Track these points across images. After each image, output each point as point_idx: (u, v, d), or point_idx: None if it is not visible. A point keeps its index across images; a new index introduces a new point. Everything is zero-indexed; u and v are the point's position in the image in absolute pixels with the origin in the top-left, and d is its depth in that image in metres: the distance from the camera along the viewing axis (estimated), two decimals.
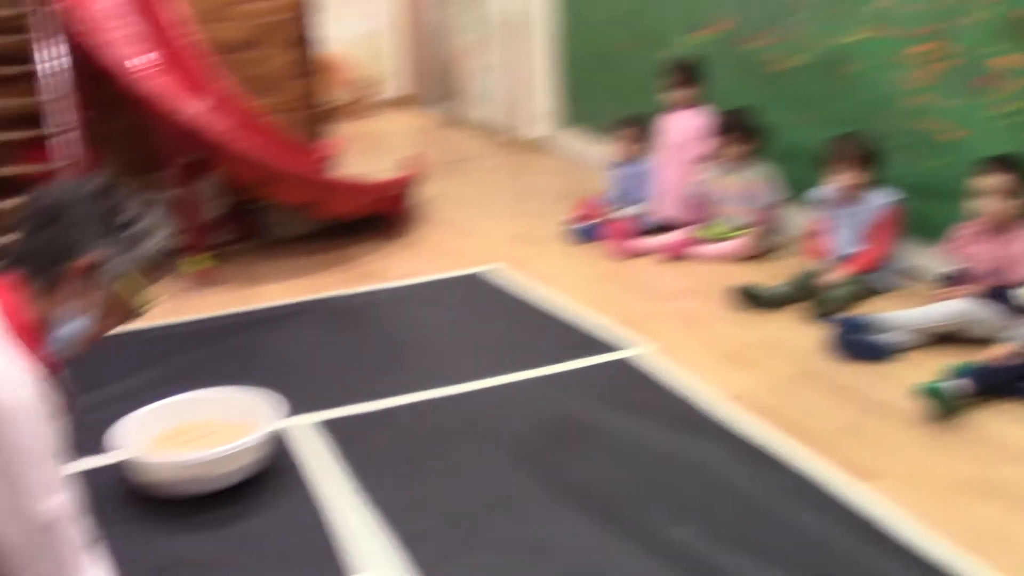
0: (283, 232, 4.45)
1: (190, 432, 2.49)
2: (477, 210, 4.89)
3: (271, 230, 4.46)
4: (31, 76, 3.84)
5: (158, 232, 1.49)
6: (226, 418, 2.53)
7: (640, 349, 3.09)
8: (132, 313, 1.51)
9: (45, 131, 3.72)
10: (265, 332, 3.39)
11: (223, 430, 2.49)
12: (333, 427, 2.66)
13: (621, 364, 3.01)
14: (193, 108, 3.91)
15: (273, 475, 2.42)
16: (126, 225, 1.45)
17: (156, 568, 2.06)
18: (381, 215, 4.51)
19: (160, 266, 1.52)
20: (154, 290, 1.53)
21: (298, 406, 2.58)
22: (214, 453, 2.29)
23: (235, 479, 2.34)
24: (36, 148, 3.91)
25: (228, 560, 2.09)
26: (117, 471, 2.38)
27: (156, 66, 4.02)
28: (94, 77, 3.77)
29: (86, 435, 2.16)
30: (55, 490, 1.27)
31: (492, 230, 4.55)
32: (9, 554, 1.23)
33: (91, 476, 2.36)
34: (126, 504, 2.31)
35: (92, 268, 1.40)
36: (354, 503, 2.29)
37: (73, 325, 1.43)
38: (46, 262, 1.40)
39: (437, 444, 2.57)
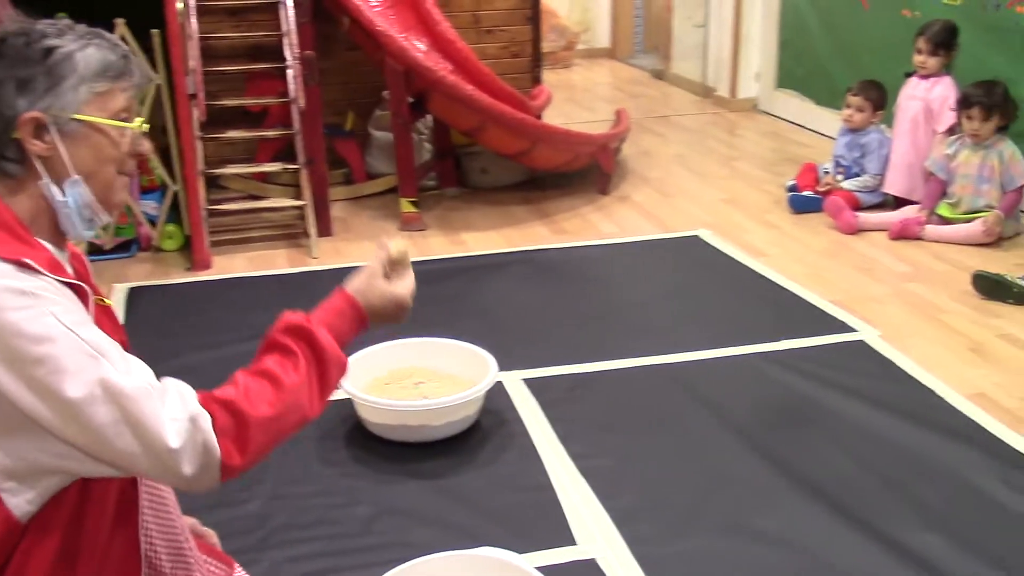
0: (490, 181, 4.41)
1: (407, 378, 2.48)
2: (684, 170, 4.71)
3: (478, 177, 4.43)
4: (268, 8, 3.91)
5: (89, 47, 1.22)
6: (441, 368, 2.51)
7: (869, 333, 2.89)
8: (123, 148, 1.26)
9: (277, 64, 3.78)
10: (472, 281, 3.37)
11: (439, 379, 2.48)
12: (539, 387, 2.59)
13: (853, 347, 2.81)
14: (416, 48, 3.89)
15: (487, 431, 2.38)
16: (45, 56, 1.19)
17: (368, 516, 2.05)
18: (588, 169, 4.40)
19: (117, 82, 1.24)
20: (131, 106, 1.27)
21: (504, 361, 2.53)
22: (439, 402, 2.27)
23: (454, 431, 2.32)
24: (264, 80, 4.00)
25: (442, 514, 2.06)
26: (338, 408, 2.40)
27: (382, 4, 4.02)
28: (317, 13, 3.80)
29: None
30: (94, 364, 1.11)
31: (700, 192, 4.37)
32: (92, 450, 1.13)
33: None
34: (344, 445, 2.32)
35: (40, 122, 1.19)
36: (568, 468, 2.22)
37: (65, 197, 1.22)
38: None
39: (652, 415, 2.47)
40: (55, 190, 1.22)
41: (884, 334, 2.87)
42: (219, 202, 3.89)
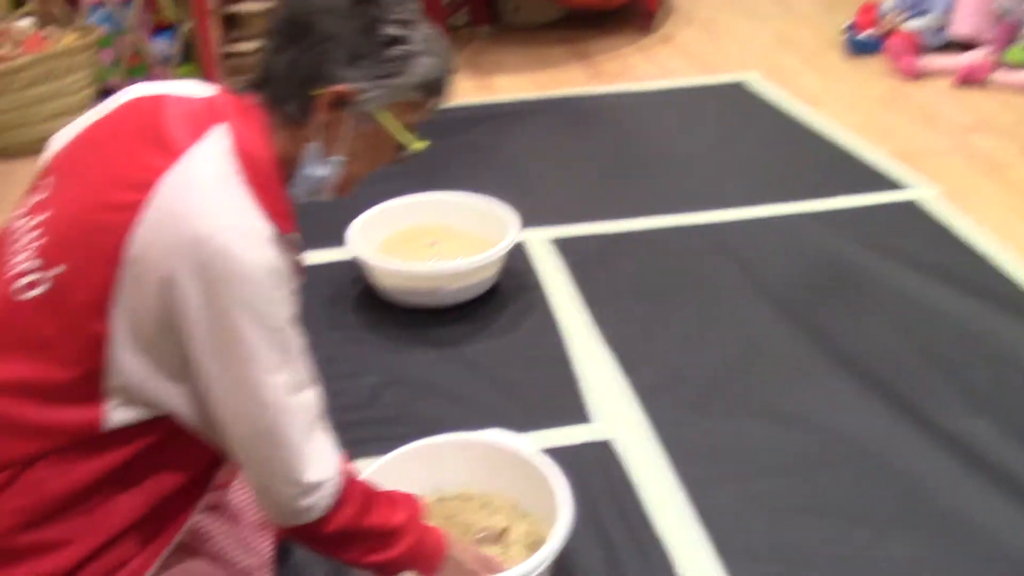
0: (523, 19, 4.13)
1: (421, 237, 2.33)
2: (734, 8, 4.38)
3: (512, 15, 4.14)
4: None
5: (428, 56, 1.16)
6: (458, 226, 2.35)
7: (926, 191, 2.66)
8: (391, 155, 1.22)
9: None
10: (498, 130, 3.16)
11: (456, 239, 2.32)
12: (566, 247, 2.43)
13: (908, 207, 2.59)
14: None
15: (506, 296, 2.24)
16: (389, 44, 1.13)
17: (375, 386, 1.94)
18: (630, 6, 4.10)
19: (428, 99, 1.20)
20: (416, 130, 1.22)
21: (529, 218, 2.36)
22: (453, 265, 2.11)
23: (470, 295, 2.18)
24: None
25: (453, 385, 1.94)
26: (348, 270, 2.27)
27: None
28: None
29: (314, 228, 2.02)
30: (289, 368, 1.07)
31: (750, 33, 4.06)
32: (229, 431, 1.07)
33: (320, 272, 2.27)
34: (353, 308, 2.20)
35: (345, 98, 1.12)
36: (591, 339, 2.08)
37: (318, 168, 1.18)
38: (291, 86, 1.12)
39: (682, 279, 2.30)
40: (315, 158, 1.16)
41: (943, 192, 2.64)
42: (236, 42, 3.67)
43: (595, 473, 1.69)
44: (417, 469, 1.55)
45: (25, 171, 3.19)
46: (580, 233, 2.50)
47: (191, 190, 1.02)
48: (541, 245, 2.42)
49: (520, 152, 3.01)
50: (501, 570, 1.32)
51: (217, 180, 1.04)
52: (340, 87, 1.11)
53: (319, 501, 1.11)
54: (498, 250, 2.14)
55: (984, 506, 1.62)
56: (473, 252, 2.19)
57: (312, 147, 1.15)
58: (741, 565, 1.52)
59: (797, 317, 2.13)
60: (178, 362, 1.04)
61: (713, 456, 1.75)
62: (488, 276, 2.18)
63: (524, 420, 1.81)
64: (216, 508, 1.30)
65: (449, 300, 2.16)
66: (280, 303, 1.05)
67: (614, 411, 1.86)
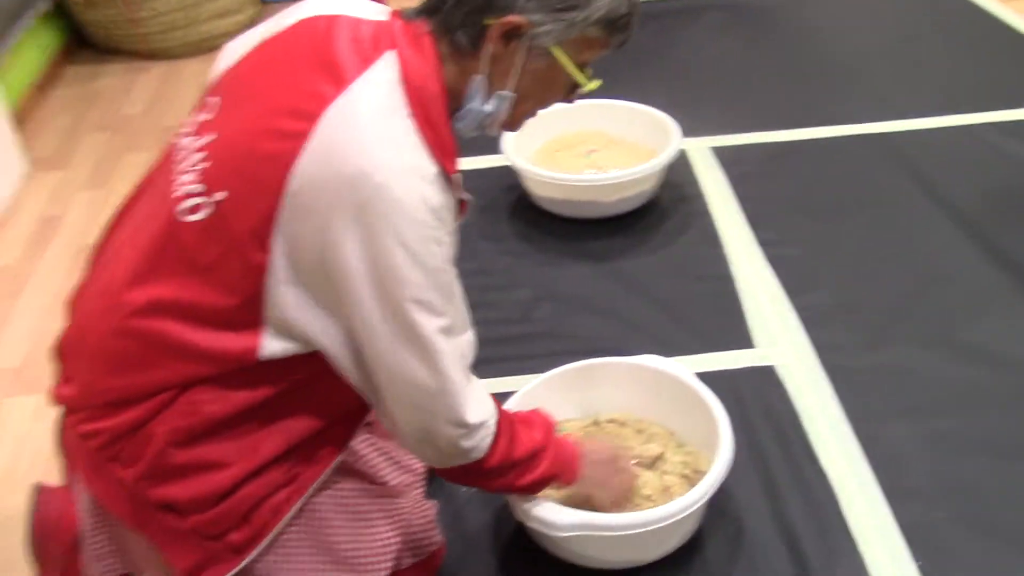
0: None
1: (579, 144, 2.25)
2: None
3: None
4: None
5: None
6: (617, 134, 2.26)
7: None
8: (563, 94, 1.15)
9: None
10: (664, 31, 3.00)
11: (614, 147, 2.24)
12: (729, 157, 2.30)
13: None
14: None
15: (665, 209, 2.15)
16: None
17: (528, 301, 1.90)
18: None
19: (609, 37, 1.11)
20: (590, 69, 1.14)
21: (692, 126, 2.23)
22: (611, 176, 2.04)
23: (627, 208, 2.10)
24: None
25: (607, 301, 1.88)
26: (503, 177, 2.22)
27: None
28: None
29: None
30: (449, 309, 1.04)
31: None
32: (385, 376, 1.04)
33: (473, 179, 2.22)
34: (507, 218, 2.15)
35: (519, 30, 1.05)
36: (754, 257, 1.98)
37: (486, 102, 1.10)
38: (463, 14, 1.06)
39: (854, 195, 2.15)
40: (482, 91, 1.10)
41: None
42: None
43: (757, 400, 1.62)
44: (572, 391, 1.52)
45: (191, 70, 3.26)
46: (744, 142, 2.37)
47: (356, 123, 0.99)
48: (702, 155, 2.31)
49: (681, 55, 2.86)
50: (629, 461, 1.37)
51: (382, 113, 1.00)
52: (514, 18, 1.05)
53: (481, 442, 1.11)
54: (658, 162, 2.04)
55: None
56: (632, 162, 2.10)
57: (480, 80, 1.09)
58: (908, 506, 1.44)
59: (981, 239, 1.97)
60: (335, 297, 1.01)
61: (882, 388, 1.65)
62: (647, 188, 2.10)
63: (682, 341, 1.75)
64: (369, 425, 1.30)
65: (606, 212, 2.09)
66: (440, 244, 1.01)
67: (778, 336, 1.77)
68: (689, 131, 2.23)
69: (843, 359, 1.70)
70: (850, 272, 1.92)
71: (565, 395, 1.51)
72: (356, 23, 1.07)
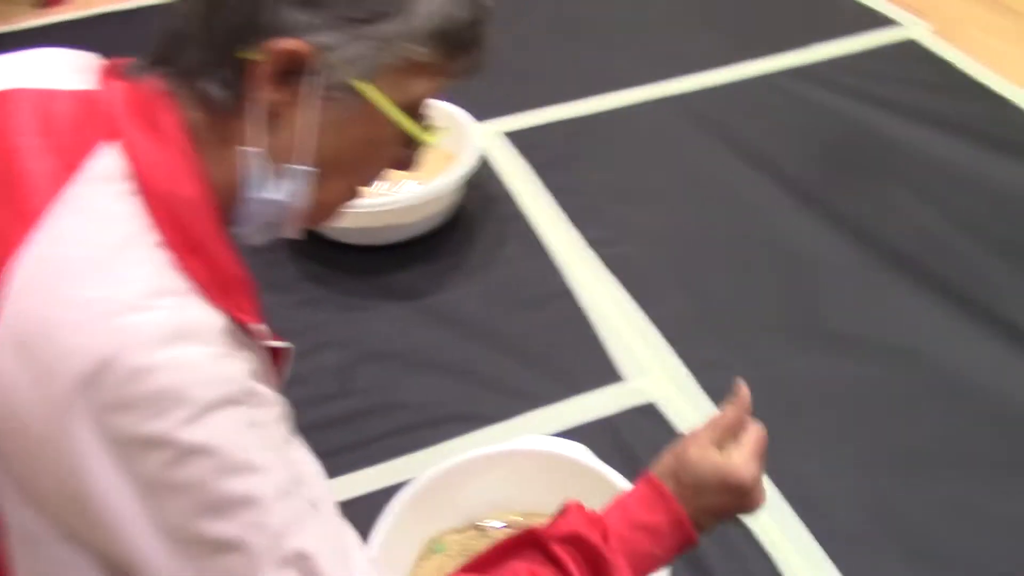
0: None
1: None
2: None
3: None
4: None
5: None
6: None
7: (918, 28, 2.33)
8: (391, 155, 0.76)
9: None
10: None
11: None
12: (525, 142, 2.01)
13: (901, 49, 2.25)
14: None
15: (472, 218, 1.82)
16: None
17: (343, 362, 1.54)
18: None
19: (447, 57, 0.73)
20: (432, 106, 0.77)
21: (473, 111, 1.91)
22: (413, 195, 1.67)
23: (431, 226, 1.77)
24: None
25: (437, 347, 1.56)
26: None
27: None
28: None
29: None
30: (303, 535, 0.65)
31: None
32: None
33: None
34: (292, 258, 1.76)
35: (300, 62, 0.67)
36: (590, 265, 1.71)
37: (271, 188, 0.71)
38: (206, 51, 0.68)
39: (672, 173, 1.93)
40: (263, 172, 0.71)
41: (937, 28, 2.31)
42: None
43: (646, 447, 1.36)
44: (443, 497, 1.20)
45: None
46: (539, 122, 2.08)
47: (64, 282, 0.60)
48: (496, 143, 2.01)
49: None
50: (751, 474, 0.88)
51: (110, 252, 0.61)
52: (290, 43, 0.66)
53: None
54: (463, 166, 1.72)
55: None
56: (426, 168, 1.77)
57: (256, 155, 0.70)
58: (826, 527, 1.25)
59: (815, 203, 1.81)
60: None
61: (773, 407, 1.42)
62: (454, 199, 1.77)
63: (542, 389, 1.46)
64: None
65: (408, 234, 1.75)
66: (254, 427, 0.64)
67: (646, 362, 1.51)
68: (473, 116, 1.91)
69: (723, 378, 1.47)
70: (697, 265, 1.70)
71: (435, 504, 1.19)
72: (45, 99, 0.67)
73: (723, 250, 1.73)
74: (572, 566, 0.79)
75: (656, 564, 0.85)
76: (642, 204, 1.85)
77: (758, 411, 0.92)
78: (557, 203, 1.84)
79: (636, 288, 1.65)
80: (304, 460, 0.70)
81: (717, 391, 1.45)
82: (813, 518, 1.27)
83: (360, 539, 0.74)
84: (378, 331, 1.60)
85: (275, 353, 0.74)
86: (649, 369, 1.50)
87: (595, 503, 1.12)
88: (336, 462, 1.34)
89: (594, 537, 0.80)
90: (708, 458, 0.86)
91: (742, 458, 0.87)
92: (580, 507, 0.85)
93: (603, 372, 1.50)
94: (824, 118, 2.04)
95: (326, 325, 1.61)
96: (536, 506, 1.22)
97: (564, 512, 0.85)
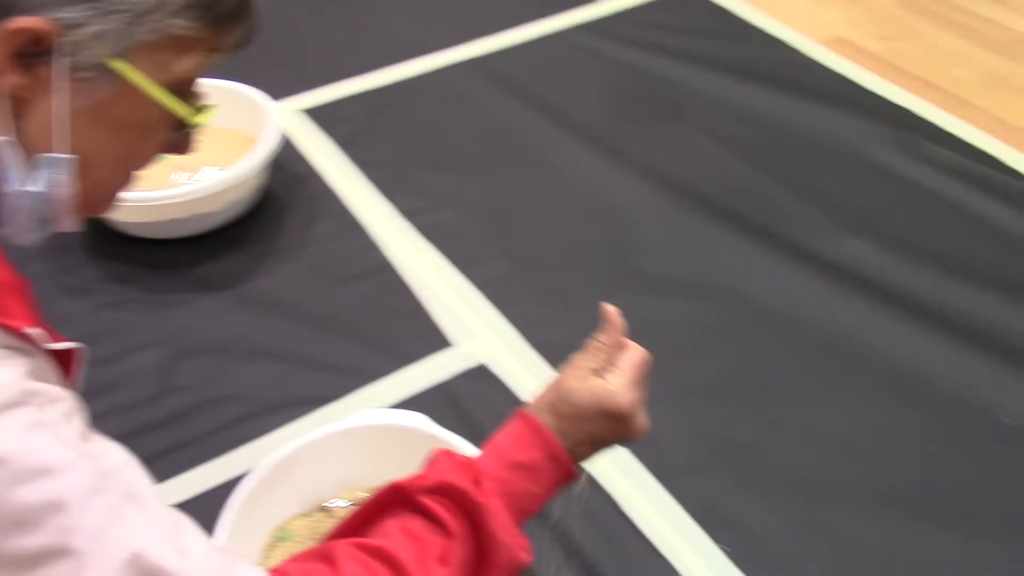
0: None
1: None
2: None
3: None
4: None
5: None
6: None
7: None
8: (159, 137, 0.73)
9: None
10: None
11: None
12: (325, 117, 1.97)
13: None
14: None
15: (281, 200, 1.78)
16: None
17: (162, 360, 1.48)
18: None
19: (213, 30, 0.70)
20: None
21: (265, 89, 1.86)
22: (216, 181, 1.61)
23: (237, 212, 1.71)
24: None
25: (257, 334, 1.52)
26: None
27: None
28: None
29: None
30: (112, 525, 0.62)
31: None
32: None
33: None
34: (91, 259, 1.66)
35: (41, 41, 0.63)
36: (408, 235, 1.70)
37: (26, 180, 0.66)
38: None
39: (478, 138, 1.95)
40: (15, 162, 0.66)
41: None
42: None
43: (484, 410, 1.37)
44: (284, 483, 1.17)
45: None
46: (338, 96, 2.05)
47: None
48: (295, 121, 1.96)
49: None
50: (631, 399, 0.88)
51: None
52: (25, 20, 0.62)
53: None
54: (265, 147, 1.67)
55: (897, 339, 1.49)
56: (226, 152, 1.72)
57: (3, 142, 0.66)
58: (659, 459, 1.30)
59: (621, 155, 1.87)
60: None
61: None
62: (258, 183, 1.72)
63: (373, 364, 1.45)
64: None
65: (214, 223, 1.68)
66: (59, 449, 0.61)
67: (472, 326, 1.52)
68: (270, 96, 1.86)
69: (549, 334, 1.51)
70: (512, 226, 1.72)
71: (278, 492, 1.17)
72: None
73: (536, 208, 1.76)
74: (445, 515, 0.77)
75: (537, 501, 0.84)
76: (451, 170, 1.85)
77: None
78: (366, 177, 1.82)
79: (455, 254, 1.65)
80: (108, 451, 0.66)
81: (545, 345, 1.48)
82: (645, 452, 1.32)
83: (192, 522, 0.70)
84: (195, 325, 1.54)
85: (64, 357, 0.70)
86: (477, 332, 1.51)
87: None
88: (167, 463, 1.28)
89: (463, 483, 0.79)
90: (586, 386, 0.86)
91: (621, 383, 0.87)
92: (449, 454, 0.84)
93: (432, 340, 1.50)
94: (618, 71, 2.11)
95: (137, 325, 1.53)
96: (382, 480, 1.21)
97: (432, 462, 0.84)
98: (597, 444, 0.88)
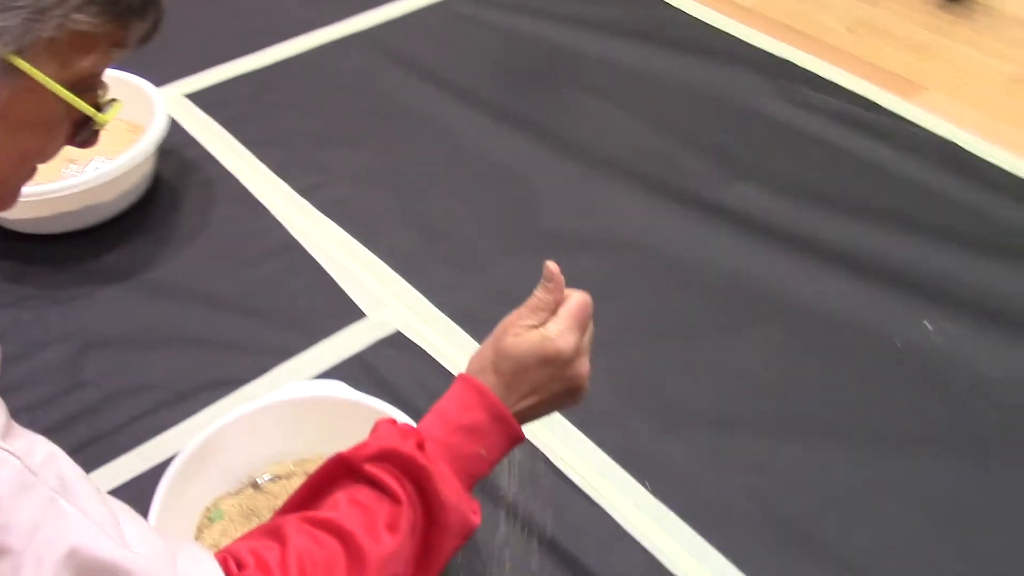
0: None
1: None
2: None
3: None
4: None
5: None
6: None
7: None
8: (63, 134, 0.72)
9: None
10: None
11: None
12: (210, 101, 1.94)
13: None
14: None
15: (174, 187, 1.75)
16: None
17: (68, 357, 1.44)
18: None
19: (117, 29, 0.68)
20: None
21: (156, 75, 1.82)
22: (109, 169, 1.56)
23: (130, 201, 1.68)
24: None
25: (173, 325, 1.50)
26: None
27: None
28: None
29: None
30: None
31: None
32: None
33: None
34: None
35: None
36: (310, 214, 1.70)
37: None
38: None
39: (372, 113, 1.95)
40: None
41: None
42: None
43: (403, 376, 1.39)
44: (211, 464, 1.17)
45: None
46: (220, 79, 2.01)
47: None
48: (179, 107, 1.93)
49: None
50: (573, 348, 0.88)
51: None
52: None
53: None
54: (153, 134, 1.63)
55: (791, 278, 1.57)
56: (112, 141, 1.68)
57: None
58: (580, 410, 1.34)
59: (516, 120, 1.89)
60: None
61: (503, 300, 1.51)
62: (148, 169, 1.69)
63: (290, 342, 1.45)
64: None
65: (108, 214, 1.65)
66: None
67: (383, 296, 1.53)
68: (153, 82, 1.82)
69: (459, 297, 1.53)
70: (413, 197, 1.73)
71: (205, 473, 1.16)
72: None
73: (435, 177, 1.78)
74: (391, 481, 0.77)
75: (486, 464, 0.84)
76: (347, 146, 1.85)
77: (492, 321, 0.95)
78: (259, 159, 1.81)
79: (357, 228, 1.66)
80: (35, 445, 0.65)
81: (456, 310, 1.51)
82: None
83: (129, 509, 0.70)
84: (99, 318, 1.50)
85: None
86: (387, 302, 1.52)
87: (365, 433, 1.14)
88: (87, 456, 1.26)
89: (407, 448, 0.78)
90: (524, 338, 0.86)
91: (558, 329, 0.86)
92: (391, 422, 0.84)
93: (344, 313, 1.50)
94: (504, 37, 2.13)
95: (39, 323, 1.49)
96: (308, 452, 1.22)
97: (374, 430, 0.84)
98: (542, 398, 0.87)
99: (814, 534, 1.21)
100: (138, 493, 1.08)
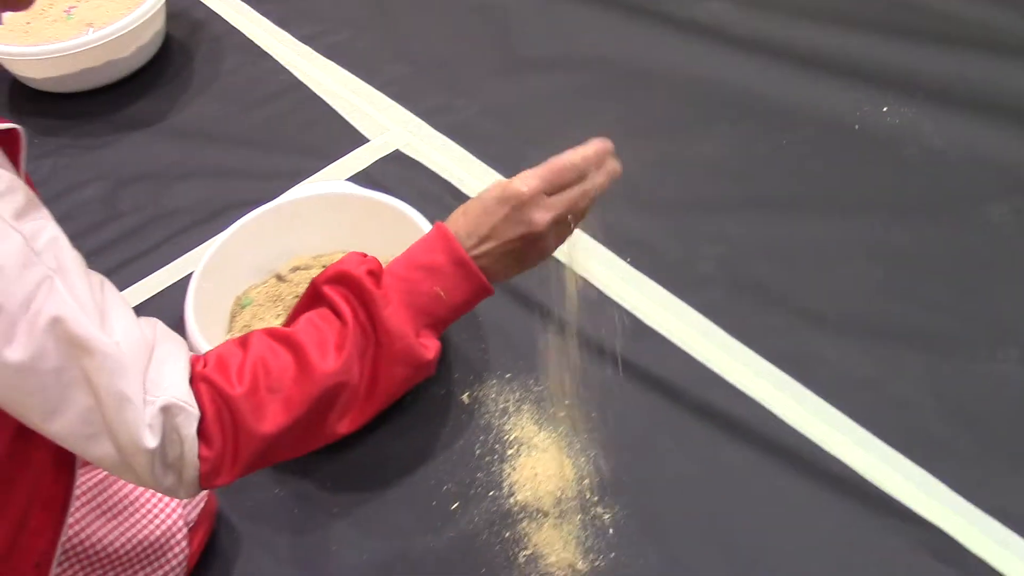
0: None
1: (52, 7, 1.87)
2: None
3: None
4: None
5: None
6: None
7: None
8: None
9: None
10: None
11: None
12: None
13: None
14: None
15: (185, 44, 1.89)
16: None
17: (105, 193, 1.61)
18: None
19: None
20: None
21: None
22: (121, 24, 1.71)
23: (146, 57, 1.82)
24: None
25: (197, 159, 1.66)
26: None
27: None
28: None
29: None
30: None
31: None
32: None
33: None
34: (8, 110, 1.77)
35: None
36: (311, 57, 1.83)
37: None
38: None
39: None
40: None
41: None
42: None
43: (405, 186, 1.54)
44: (241, 257, 1.33)
45: None
46: None
47: None
48: None
49: None
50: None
51: None
52: None
53: (180, 460, 0.75)
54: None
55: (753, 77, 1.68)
56: (118, 5, 1.81)
57: None
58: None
59: None
60: None
61: (515, 123, 1.65)
62: (160, 26, 1.82)
63: (301, 165, 1.60)
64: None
65: (126, 70, 1.79)
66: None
67: (384, 122, 1.67)
68: None
69: (451, 118, 1.67)
70: (405, 35, 1.86)
71: (234, 268, 1.33)
72: None
73: (424, 16, 1.90)
74: (341, 303, 0.80)
75: (445, 307, 0.83)
76: None
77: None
78: (261, 13, 1.94)
79: (356, 66, 1.79)
80: (43, 230, 0.71)
81: (449, 127, 1.65)
82: None
83: (125, 304, 0.76)
84: (128, 159, 1.67)
85: (5, 142, 0.77)
86: (387, 126, 1.66)
87: (372, 225, 1.30)
88: (127, 273, 1.43)
89: (358, 272, 0.81)
90: (494, 183, 0.86)
91: (524, 175, 0.84)
92: (358, 254, 0.86)
93: (349, 139, 1.65)
94: None
95: (75, 167, 1.66)
96: (323, 248, 1.37)
97: (343, 259, 0.86)
98: (499, 241, 0.84)
99: (774, 289, 1.36)
100: (171, 301, 1.24)
